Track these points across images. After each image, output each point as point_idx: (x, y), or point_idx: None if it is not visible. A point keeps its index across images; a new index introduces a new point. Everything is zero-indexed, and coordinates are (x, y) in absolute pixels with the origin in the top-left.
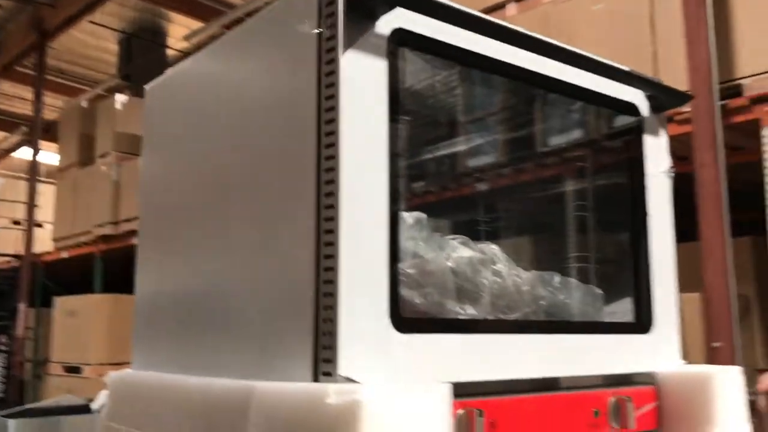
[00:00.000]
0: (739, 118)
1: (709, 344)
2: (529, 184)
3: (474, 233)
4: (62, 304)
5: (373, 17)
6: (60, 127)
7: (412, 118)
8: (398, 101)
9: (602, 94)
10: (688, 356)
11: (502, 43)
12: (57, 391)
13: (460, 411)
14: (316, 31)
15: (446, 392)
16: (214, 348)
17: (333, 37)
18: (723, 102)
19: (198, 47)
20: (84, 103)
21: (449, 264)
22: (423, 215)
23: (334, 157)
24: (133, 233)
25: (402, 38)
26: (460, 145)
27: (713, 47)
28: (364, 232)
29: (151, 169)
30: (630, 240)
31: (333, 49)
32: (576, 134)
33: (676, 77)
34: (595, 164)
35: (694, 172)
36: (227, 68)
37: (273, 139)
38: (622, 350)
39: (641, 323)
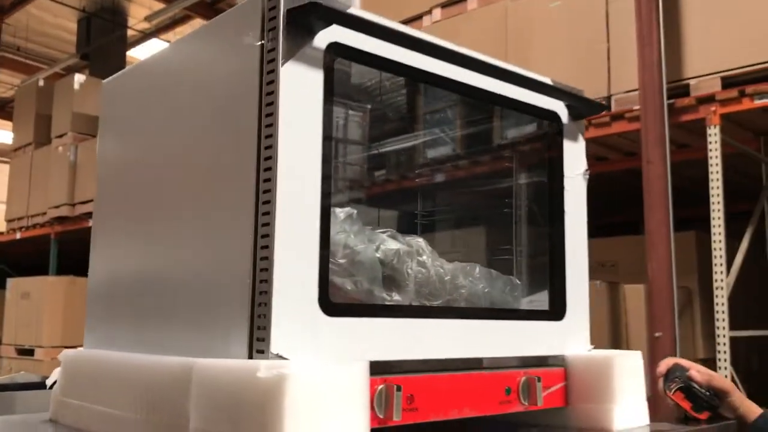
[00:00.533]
0: (686, 117)
1: (651, 334)
2: (460, 182)
3: (412, 225)
4: (16, 285)
5: (311, 32)
6: (15, 105)
7: (351, 119)
8: (332, 109)
9: (526, 103)
10: (632, 345)
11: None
12: (8, 373)
13: (381, 386)
14: (259, 43)
15: (364, 368)
16: (161, 328)
17: (274, 49)
18: (671, 101)
19: (159, 29)
20: (41, 82)
21: (378, 255)
22: (353, 211)
23: (271, 158)
24: (89, 215)
25: (337, 51)
26: (396, 144)
27: (663, 48)
28: (297, 227)
29: (107, 160)
30: (548, 236)
31: (273, 60)
32: (503, 137)
33: (628, 75)
34: (520, 165)
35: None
36: (179, 71)
37: (218, 138)
38: (536, 335)
39: (555, 311)
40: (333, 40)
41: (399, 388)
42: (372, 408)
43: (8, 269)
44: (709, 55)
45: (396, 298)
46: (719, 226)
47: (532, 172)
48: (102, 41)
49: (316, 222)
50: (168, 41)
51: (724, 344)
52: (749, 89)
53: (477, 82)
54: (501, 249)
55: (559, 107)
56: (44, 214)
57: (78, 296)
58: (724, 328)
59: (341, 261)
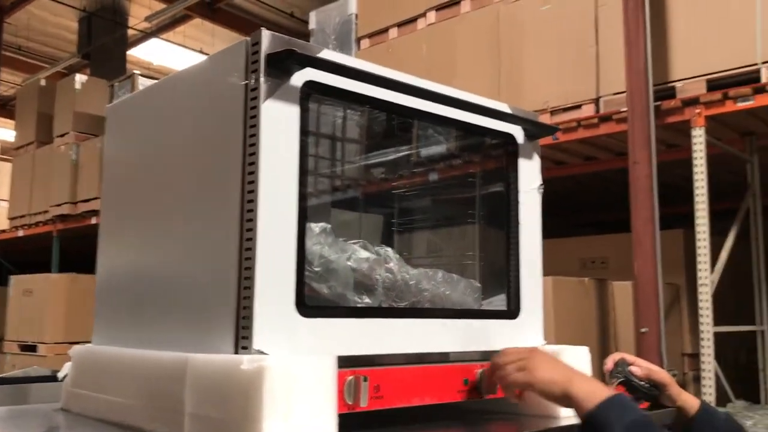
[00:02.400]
0: (672, 119)
1: (638, 329)
2: (428, 194)
3: (387, 232)
4: (18, 282)
5: (289, 73)
6: (17, 104)
7: (329, 142)
8: (307, 138)
9: (486, 127)
10: (620, 340)
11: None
12: (12, 369)
13: (350, 377)
14: (243, 82)
15: (332, 361)
16: (160, 327)
17: (256, 88)
18: (658, 102)
19: (159, 28)
20: (42, 82)
21: (350, 263)
22: (328, 225)
23: (254, 182)
24: (91, 213)
25: (312, 88)
26: (374, 160)
27: (650, 51)
28: (276, 240)
29: (110, 176)
30: (505, 243)
31: (256, 98)
32: (468, 156)
33: (616, 77)
34: (483, 181)
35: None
36: (174, 102)
37: (209, 163)
38: (493, 332)
39: (510, 311)
40: (308, 78)
41: (366, 379)
42: (342, 396)
43: (11, 266)
44: (694, 58)
45: (366, 300)
46: (703, 224)
47: (492, 187)
48: (103, 41)
49: (293, 236)
50: (169, 41)
51: (708, 339)
52: (732, 92)
53: (440, 111)
54: (466, 255)
55: (515, 130)
56: (46, 212)
57: (79, 293)
58: (708, 324)
59: (317, 269)
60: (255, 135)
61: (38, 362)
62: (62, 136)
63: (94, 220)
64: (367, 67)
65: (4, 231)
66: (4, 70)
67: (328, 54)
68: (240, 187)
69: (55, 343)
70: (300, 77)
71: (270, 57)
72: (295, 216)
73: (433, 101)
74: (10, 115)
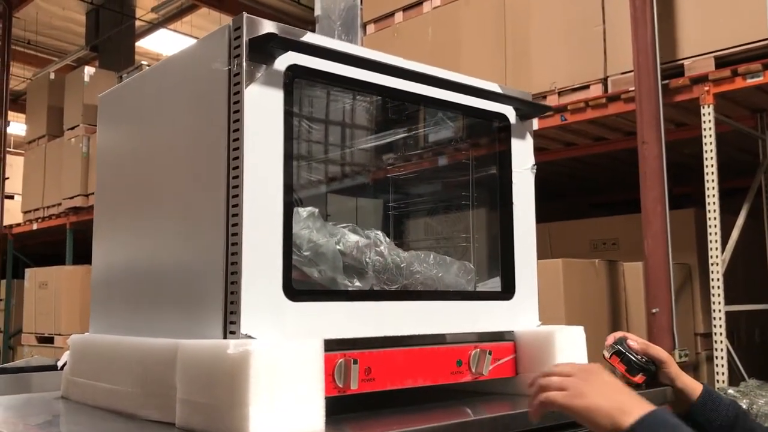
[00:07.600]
0: (681, 97)
1: (649, 310)
2: (422, 177)
3: (384, 217)
4: (34, 275)
5: (272, 57)
6: (28, 98)
7: (319, 126)
8: (292, 121)
9: (479, 108)
10: (631, 321)
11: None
12: None
13: (341, 360)
14: (226, 68)
15: (317, 344)
16: (152, 314)
17: (239, 73)
18: (666, 81)
19: (166, 19)
20: (52, 75)
21: (339, 247)
22: (315, 210)
23: (238, 168)
24: None
25: (296, 72)
26: (364, 144)
27: (657, 29)
28: (262, 225)
29: (104, 162)
30: (499, 224)
31: (239, 83)
32: (461, 137)
33: (623, 56)
34: (476, 162)
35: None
36: (162, 89)
37: (194, 148)
38: (488, 314)
39: (505, 292)
40: (292, 62)
41: (356, 362)
42: (332, 379)
43: (26, 259)
44: (702, 35)
45: (357, 284)
46: (714, 203)
47: (485, 168)
48: (110, 33)
49: (279, 220)
50: (176, 31)
51: (720, 318)
52: (741, 68)
53: (429, 92)
54: (461, 237)
55: (507, 110)
56: (59, 204)
57: None
58: (719, 303)
59: (306, 253)
60: (239, 120)
61: (55, 354)
62: (72, 128)
63: (94, 219)
64: (351, 50)
65: (18, 224)
66: (14, 64)
67: (311, 37)
68: (225, 173)
69: (71, 334)
70: (283, 61)
71: (252, 41)
72: (281, 200)
73: (420, 82)
74: (21, 110)
